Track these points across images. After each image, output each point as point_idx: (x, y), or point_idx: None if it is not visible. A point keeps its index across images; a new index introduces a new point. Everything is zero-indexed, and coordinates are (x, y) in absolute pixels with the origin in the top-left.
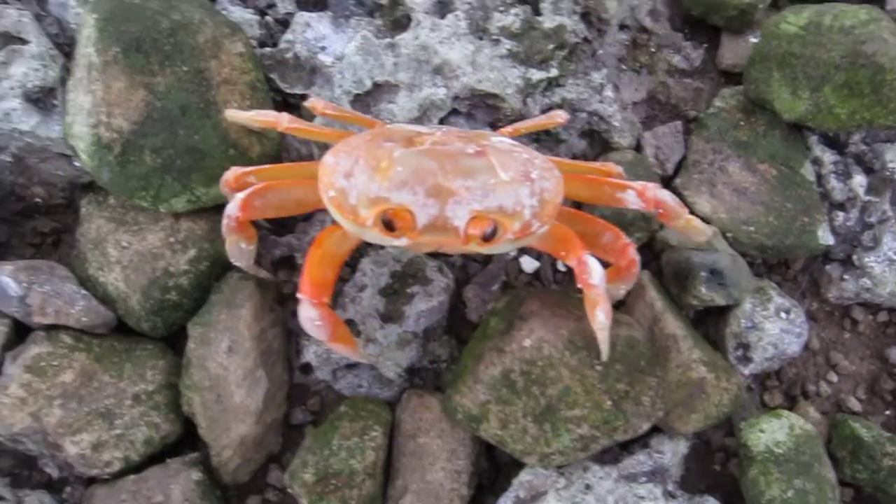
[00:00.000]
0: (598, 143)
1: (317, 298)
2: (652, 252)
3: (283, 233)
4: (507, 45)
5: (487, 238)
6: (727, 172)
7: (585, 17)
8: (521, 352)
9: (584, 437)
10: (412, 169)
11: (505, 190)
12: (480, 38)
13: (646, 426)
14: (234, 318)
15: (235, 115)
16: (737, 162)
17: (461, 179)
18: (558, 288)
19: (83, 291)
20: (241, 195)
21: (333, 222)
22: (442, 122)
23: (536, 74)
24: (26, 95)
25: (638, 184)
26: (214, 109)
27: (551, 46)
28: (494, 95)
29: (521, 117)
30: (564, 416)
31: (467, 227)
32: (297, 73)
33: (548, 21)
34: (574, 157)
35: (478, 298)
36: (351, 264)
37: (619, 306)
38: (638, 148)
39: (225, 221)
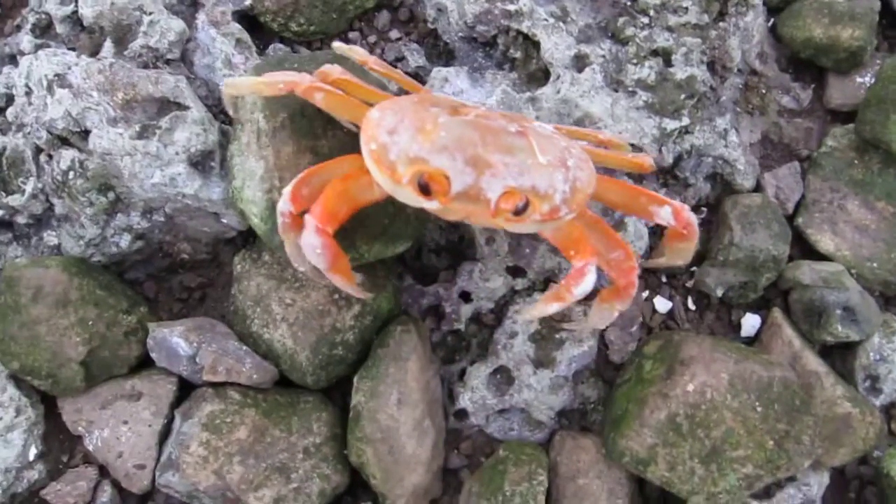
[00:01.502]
0: (720, 185)
1: (325, 226)
2: (777, 290)
3: (429, 282)
4: (643, 96)
5: (517, 213)
6: (846, 210)
7: (711, 65)
8: (685, 396)
9: (748, 476)
10: (455, 136)
11: (540, 171)
12: (616, 90)
13: (806, 464)
14: (401, 370)
15: (236, 83)
16: (855, 200)
17: (500, 154)
18: (690, 327)
19: (245, 348)
20: (287, 188)
21: (364, 169)
22: None
23: (670, 124)
24: (189, 160)
25: (675, 203)
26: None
27: (683, 96)
28: (632, 146)
29: (662, 171)
30: (729, 456)
31: (499, 201)
32: None
33: (679, 72)
34: (700, 200)
35: (620, 340)
36: (497, 312)
37: (751, 342)
38: (758, 188)
39: (280, 221)
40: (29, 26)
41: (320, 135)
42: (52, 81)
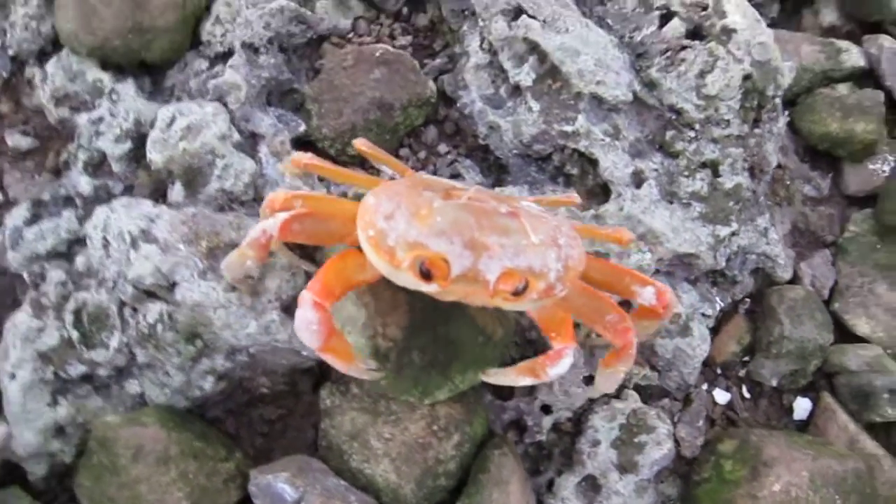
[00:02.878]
0: (761, 278)
1: (322, 300)
2: (822, 373)
3: (506, 396)
4: (697, 207)
5: (516, 294)
6: (876, 294)
7: (751, 171)
8: (773, 496)
9: None
10: (451, 220)
11: (535, 251)
12: (671, 202)
13: None
14: (503, 493)
15: (229, 265)
16: (883, 283)
17: (496, 236)
18: (748, 416)
19: (344, 483)
20: (284, 215)
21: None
22: None
23: (722, 230)
24: (282, 306)
25: (659, 284)
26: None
27: (731, 203)
28: (691, 255)
29: (713, 271)
30: None
31: (497, 282)
32: None
33: (728, 182)
34: (742, 293)
35: (689, 436)
36: (575, 421)
37: (804, 425)
38: (795, 278)
39: (256, 236)
40: (80, 164)
41: None
42: (137, 237)
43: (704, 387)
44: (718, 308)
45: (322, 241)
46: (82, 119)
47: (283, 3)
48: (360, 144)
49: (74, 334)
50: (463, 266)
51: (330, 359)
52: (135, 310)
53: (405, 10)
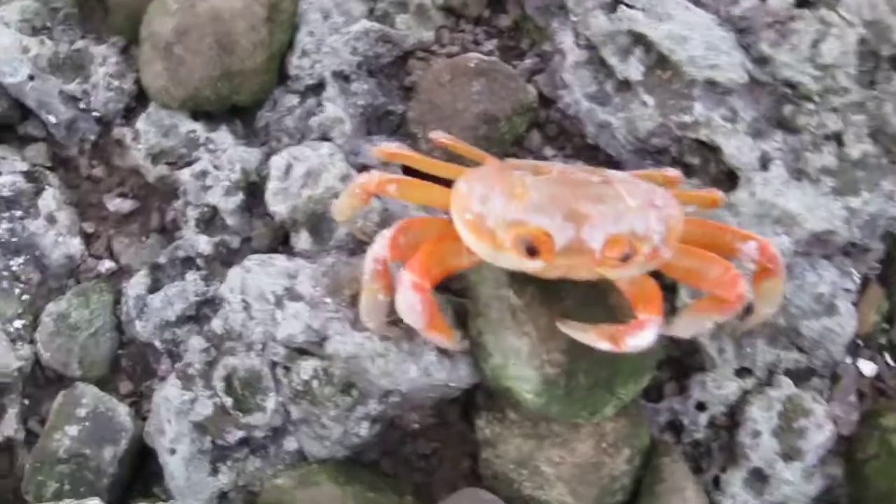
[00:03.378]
0: (890, 242)
1: (423, 281)
2: None
3: (660, 398)
4: (827, 182)
5: (625, 259)
6: None
7: (873, 135)
8: None
9: None
10: (546, 195)
11: (635, 215)
12: (800, 180)
13: None
14: (681, 500)
15: (338, 208)
16: None
17: (593, 204)
18: None
19: None
20: (387, 233)
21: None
22: None
23: (854, 202)
24: (436, 346)
25: (759, 237)
26: (614, 313)
27: (859, 173)
28: (828, 231)
29: (850, 247)
30: None
31: (604, 249)
32: None
33: (854, 151)
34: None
35: (844, 413)
36: (729, 414)
37: None
38: None
39: (370, 266)
40: (192, 223)
41: (564, 296)
42: (281, 297)
43: (849, 360)
44: (858, 281)
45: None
46: (184, 175)
47: (366, 24)
48: (438, 136)
49: (228, 401)
50: (566, 238)
51: (434, 337)
52: (287, 369)
53: (486, 13)
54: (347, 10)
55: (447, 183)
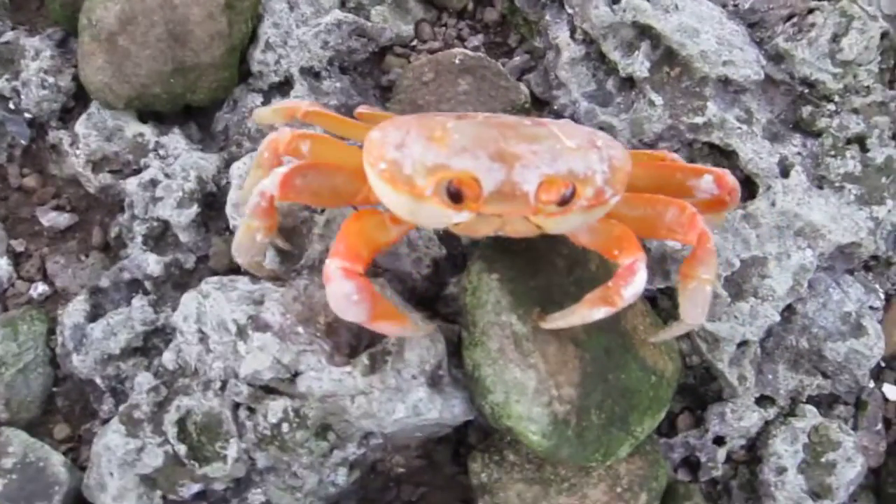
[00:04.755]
0: None
1: (353, 265)
2: None
3: (674, 432)
4: (851, 189)
5: (563, 202)
6: None
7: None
8: None
9: None
10: (471, 136)
11: (573, 154)
12: (821, 188)
13: None
14: None
15: (260, 114)
16: None
17: (525, 144)
18: None
19: None
20: (282, 170)
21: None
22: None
23: (880, 211)
24: (427, 380)
25: (714, 169)
26: (629, 340)
27: (883, 179)
28: (853, 244)
29: (874, 258)
30: None
31: (539, 192)
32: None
33: (878, 156)
34: None
35: (872, 444)
36: (749, 448)
37: None
38: None
39: (255, 200)
40: (139, 239)
41: None
42: (244, 326)
43: (872, 384)
44: (883, 297)
45: (327, 200)
46: (131, 184)
47: (339, 15)
48: (362, 109)
49: (182, 449)
50: (495, 180)
51: (383, 327)
52: (252, 410)
53: (470, 5)
54: None
55: None
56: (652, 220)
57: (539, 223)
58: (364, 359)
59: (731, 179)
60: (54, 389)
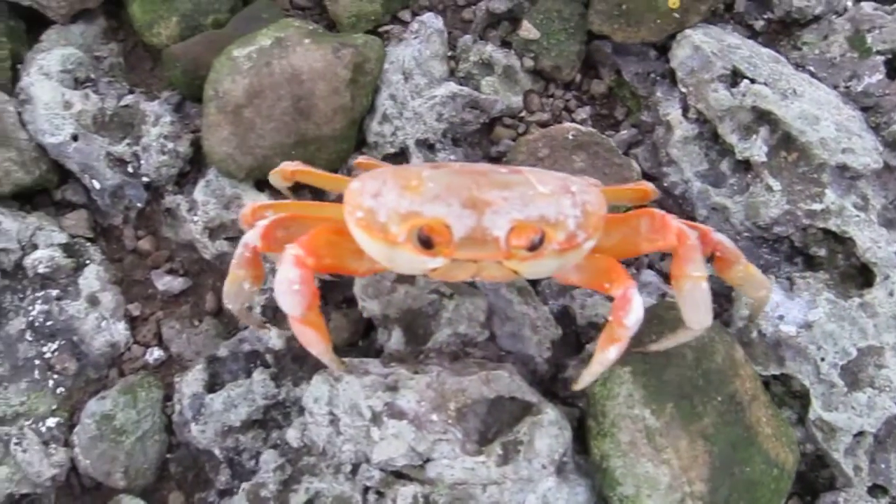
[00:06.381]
0: None
1: (307, 258)
2: None
3: None
4: None
5: (533, 248)
6: None
7: None
8: None
9: None
10: (444, 184)
11: (545, 200)
12: None
13: None
14: None
15: (270, 179)
16: None
17: (497, 191)
18: None
19: None
20: (262, 222)
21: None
22: None
23: None
24: (556, 469)
25: (699, 225)
26: (753, 433)
27: None
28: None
29: None
30: None
31: (510, 237)
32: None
33: None
34: None
35: None
36: None
37: None
38: None
39: (239, 251)
40: (258, 310)
41: (702, 413)
42: (380, 413)
43: None
44: None
45: None
46: None
47: (454, 88)
48: (360, 159)
49: None
50: (465, 226)
51: (307, 334)
52: (380, 494)
53: (577, 77)
54: (429, 69)
55: None
56: (630, 238)
57: (513, 267)
58: (497, 448)
59: (715, 236)
60: (168, 456)
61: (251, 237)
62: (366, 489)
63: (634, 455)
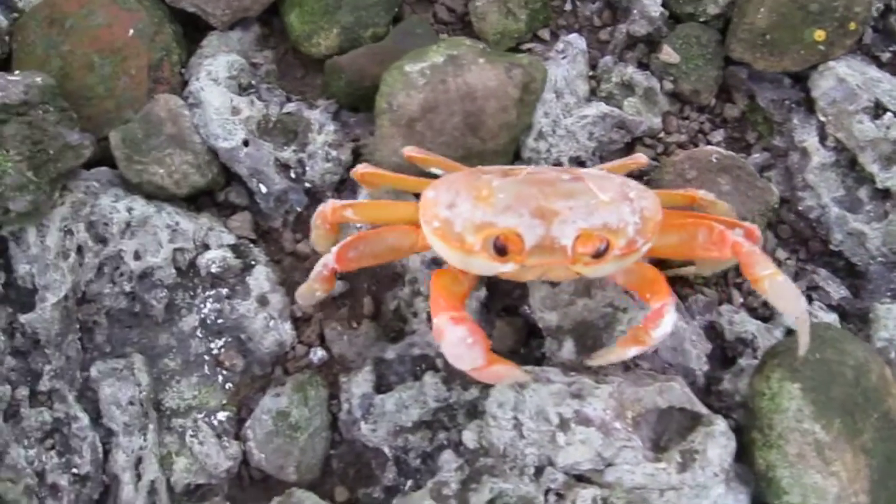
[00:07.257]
0: None
1: (458, 312)
2: None
3: None
4: None
5: (598, 255)
6: None
7: None
8: None
9: None
10: (514, 194)
11: (607, 208)
12: None
13: None
14: None
15: (315, 240)
16: None
17: (563, 200)
18: None
19: None
20: (336, 248)
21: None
22: None
23: None
24: (726, 477)
25: (745, 223)
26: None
27: None
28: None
29: None
30: None
31: (575, 245)
32: None
33: None
34: None
35: None
36: None
37: None
38: None
39: (319, 269)
40: (425, 316)
41: (862, 429)
42: (568, 419)
43: None
44: None
45: (386, 258)
46: (413, 261)
47: (605, 108)
48: (410, 151)
49: None
50: (536, 235)
51: (496, 372)
52: (560, 496)
53: (712, 101)
54: (575, 89)
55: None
56: (686, 243)
57: (578, 270)
58: (676, 456)
59: (759, 233)
60: (331, 452)
61: (329, 260)
62: (547, 491)
63: (803, 466)
